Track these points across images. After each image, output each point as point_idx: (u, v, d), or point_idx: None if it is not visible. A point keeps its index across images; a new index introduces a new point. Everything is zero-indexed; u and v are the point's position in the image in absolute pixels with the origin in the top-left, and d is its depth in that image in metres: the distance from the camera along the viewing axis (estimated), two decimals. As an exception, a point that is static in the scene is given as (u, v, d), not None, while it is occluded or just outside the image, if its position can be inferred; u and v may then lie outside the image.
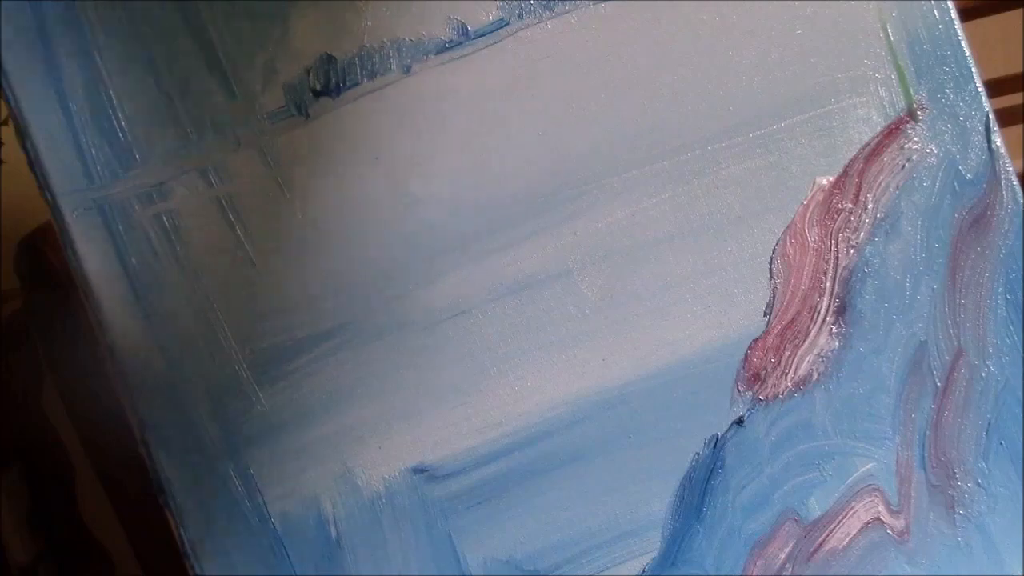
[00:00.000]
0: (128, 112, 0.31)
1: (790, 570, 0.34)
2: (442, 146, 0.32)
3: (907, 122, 0.34)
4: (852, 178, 0.34)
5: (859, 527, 0.34)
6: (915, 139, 0.34)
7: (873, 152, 0.34)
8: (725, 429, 0.34)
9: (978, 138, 0.34)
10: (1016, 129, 0.62)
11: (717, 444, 0.34)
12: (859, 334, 0.34)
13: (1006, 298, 0.34)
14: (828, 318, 0.34)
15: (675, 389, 0.33)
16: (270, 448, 0.32)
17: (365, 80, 0.32)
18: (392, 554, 0.32)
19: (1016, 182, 0.34)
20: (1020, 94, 0.64)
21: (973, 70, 0.34)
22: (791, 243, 0.34)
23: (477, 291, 0.32)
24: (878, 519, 0.34)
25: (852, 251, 0.34)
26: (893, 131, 0.34)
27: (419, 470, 0.32)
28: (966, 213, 0.34)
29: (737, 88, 0.33)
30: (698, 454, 0.33)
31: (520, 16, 0.32)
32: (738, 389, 0.34)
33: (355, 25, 0.32)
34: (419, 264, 0.32)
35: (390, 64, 0.32)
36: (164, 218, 0.32)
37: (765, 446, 0.34)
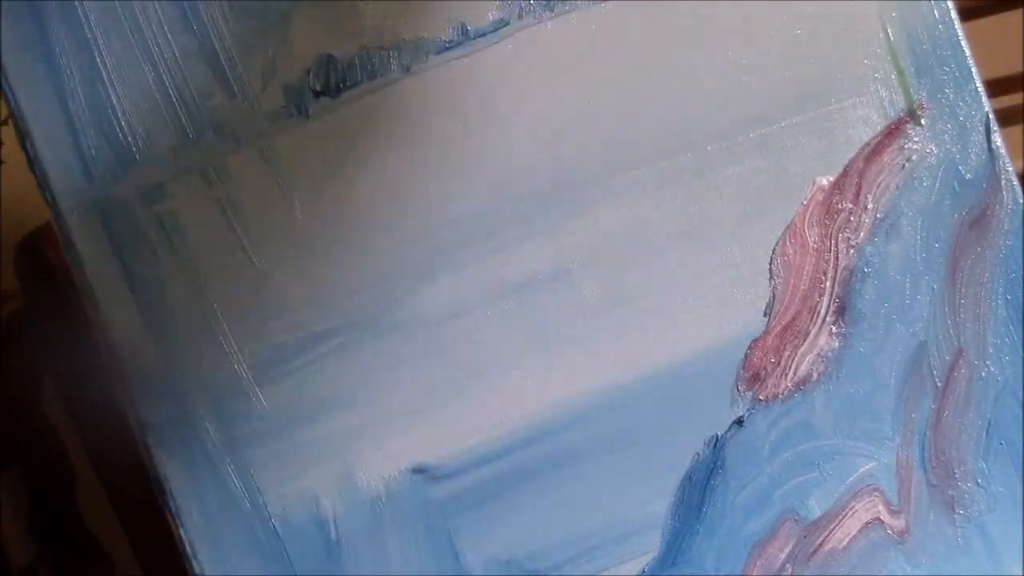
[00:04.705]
0: (128, 112, 0.31)
1: (790, 570, 0.34)
2: (442, 146, 0.32)
3: (907, 122, 0.34)
4: (852, 178, 0.34)
5: (859, 527, 0.34)
6: (915, 139, 0.34)
7: (873, 152, 0.34)
8: (725, 429, 0.34)
9: (978, 138, 0.34)
10: (1016, 129, 0.62)
11: (717, 444, 0.34)
12: (859, 334, 0.34)
13: (1006, 298, 0.34)
14: (828, 318, 0.34)
15: (675, 389, 0.33)
16: (270, 448, 0.32)
17: (365, 80, 0.32)
18: (392, 554, 0.32)
19: (1016, 182, 0.34)
20: (1020, 94, 0.64)
21: (973, 70, 0.34)
22: (791, 243, 0.34)
23: (477, 291, 0.32)
24: (878, 519, 0.34)
25: (852, 251, 0.34)
26: (893, 131, 0.34)
27: (419, 470, 0.32)
28: (966, 213, 0.34)
29: (737, 88, 0.33)
30: (698, 454, 0.33)
31: (520, 16, 0.32)
32: (738, 389, 0.34)
33: (355, 25, 0.32)
34: (419, 264, 0.32)
35: (390, 64, 0.32)
36: (164, 218, 0.32)
37: (765, 446, 0.34)
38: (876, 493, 0.34)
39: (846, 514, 0.34)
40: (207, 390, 0.32)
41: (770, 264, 0.34)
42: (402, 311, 0.32)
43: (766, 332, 0.34)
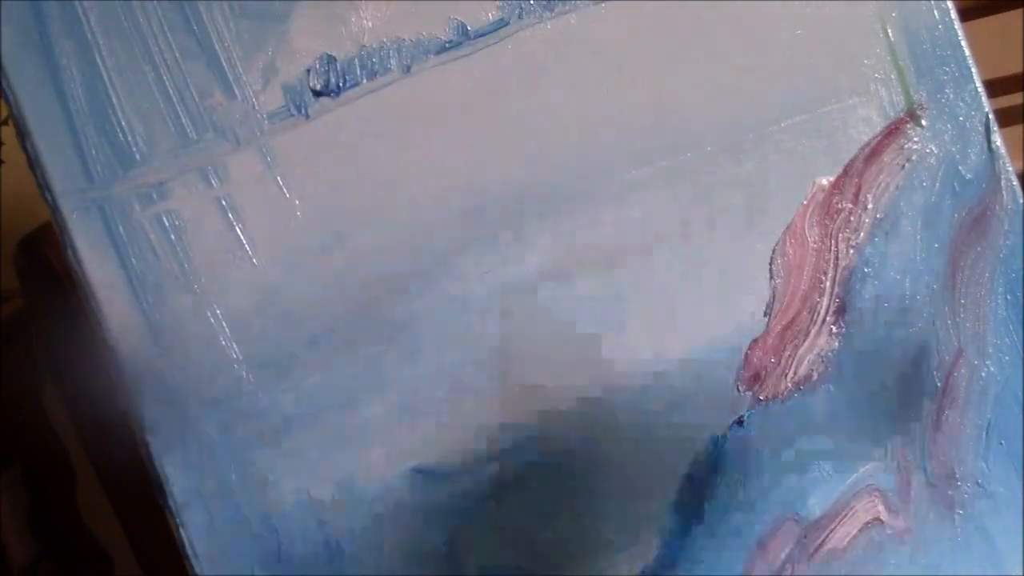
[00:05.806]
0: (128, 112, 0.31)
1: (790, 570, 0.34)
2: (442, 146, 0.32)
3: (907, 122, 0.34)
4: (852, 178, 0.34)
5: (859, 527, 0.34)
6: (915, 139, 0.34)
7: (873, 152, 0.34)
8: (725, 429, 0.34)
9: (978, 138, 0.34)
10: (1016, 129, 0.62)
11: (717, 444, 0.34)
12: (859, 334, 0.34)
13: (1006, 298, 0.34)
14: (828, 318, 0.34)
15: (675, 389, 0.33)
16: (270, 448, 0.32)
17: (365, 80, 0.32)
18: (392, 554, 0.32)
19: (1016, 182, 0.34)
20: (1020, 94, 0.64)
21: (973, 70, 0.34)
22: (791, 243, 0.34)
23: (476, 291, 0.32)
24: (878, 519, 0.34)
25: (852, 251, 0.34)
26: (893, 131, 0.34)
27: (419, 470, 0.32)
28: (966, 213, 0.34)
29: (737, 88, 0.33)
30: (698, 454, 0.33)
31: (520, 16, 0.32)
32: (738, 389, 0.34)
33: (355, 25, 0.32)
34: (419, 264, 0.32)
35: (390, 64, 0.32)
36: (164, 218, 0.32)
37: (765, 446, 0.34)
38: (876, 493, 0.34)
39: (846, 514, 0.34)
40: (207, 390, 0.32)
41: (770, 264, 0.34)
42: (402, 311, 0.32)
43: (766, 332, 0.34)
